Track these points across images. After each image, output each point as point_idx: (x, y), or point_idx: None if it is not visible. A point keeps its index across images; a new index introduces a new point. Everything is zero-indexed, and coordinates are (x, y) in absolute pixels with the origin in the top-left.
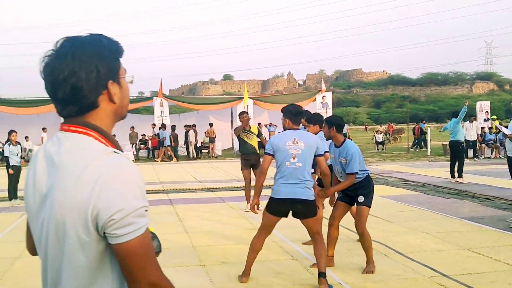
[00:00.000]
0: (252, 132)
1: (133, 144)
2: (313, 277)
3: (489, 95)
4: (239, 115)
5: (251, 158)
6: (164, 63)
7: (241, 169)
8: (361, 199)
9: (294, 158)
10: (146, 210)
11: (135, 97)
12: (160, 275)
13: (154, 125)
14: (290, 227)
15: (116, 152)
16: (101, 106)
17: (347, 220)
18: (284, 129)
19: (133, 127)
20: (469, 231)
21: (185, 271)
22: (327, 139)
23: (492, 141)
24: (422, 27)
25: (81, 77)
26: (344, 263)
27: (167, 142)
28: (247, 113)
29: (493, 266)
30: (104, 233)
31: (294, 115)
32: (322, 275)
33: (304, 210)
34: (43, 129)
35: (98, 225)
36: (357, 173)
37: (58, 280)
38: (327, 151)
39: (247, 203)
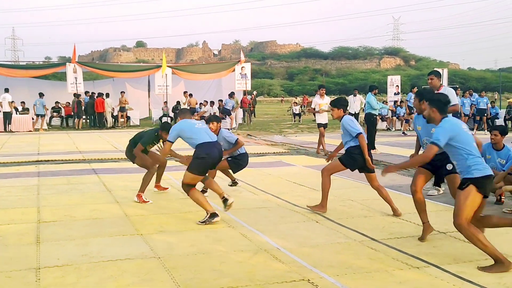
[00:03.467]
0: None
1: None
2: (251, 243)
3: (396, 69)
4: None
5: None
6: (73, 27)
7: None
8: (449, 166)
9: None
10: None
11: (43, 63)
12: None
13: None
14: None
15: None
16: None
17: (276, 189)
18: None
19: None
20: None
21: (122, 240)
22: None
23: (402, 114)
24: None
25: None
26: (279, 230)
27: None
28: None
29: (417, 231)
30: None
31: (444, 105)
32: None
33: None
34: (6, 89)
35: None
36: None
37: None
38: None
39: None
